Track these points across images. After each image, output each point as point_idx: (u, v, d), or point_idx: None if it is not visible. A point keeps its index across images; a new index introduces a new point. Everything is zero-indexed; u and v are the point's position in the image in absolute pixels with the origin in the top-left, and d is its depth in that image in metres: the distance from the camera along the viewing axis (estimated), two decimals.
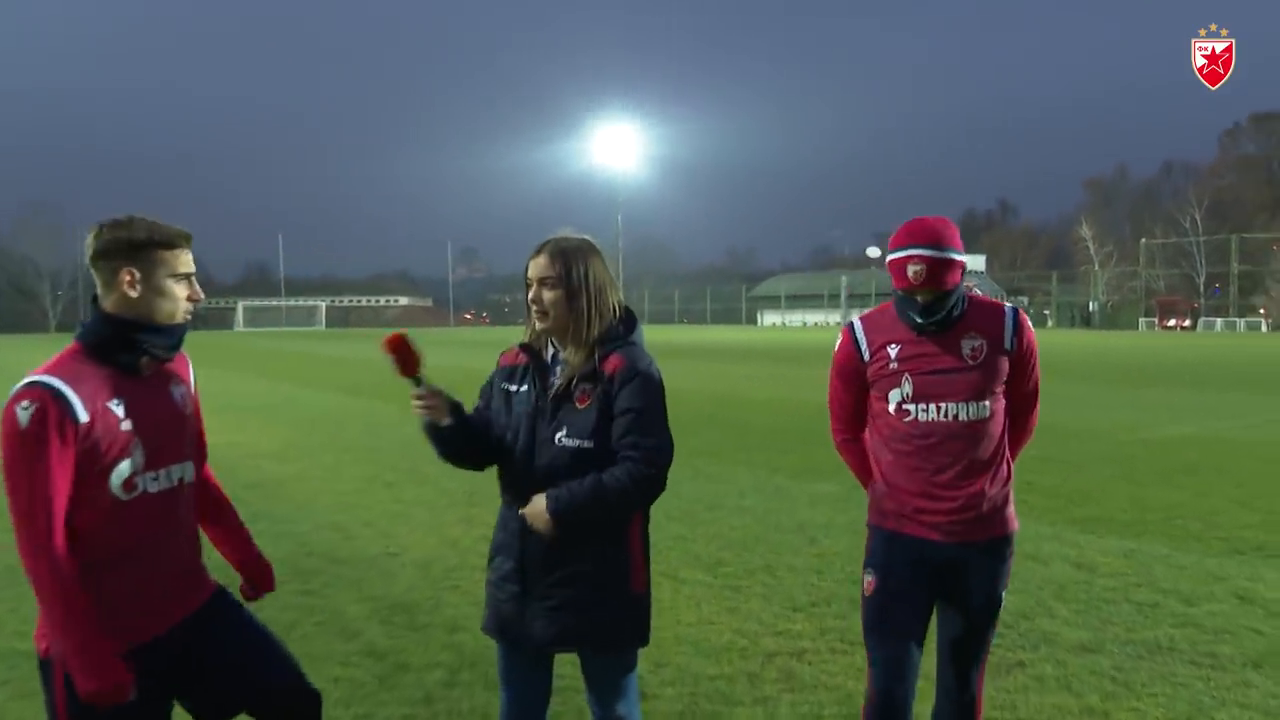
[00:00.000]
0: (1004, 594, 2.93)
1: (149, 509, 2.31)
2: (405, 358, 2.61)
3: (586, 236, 2.68)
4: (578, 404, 2.57)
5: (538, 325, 2.63)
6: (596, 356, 2.58)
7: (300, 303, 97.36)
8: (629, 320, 2.69)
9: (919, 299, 2.81)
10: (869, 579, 2.93)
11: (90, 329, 2.30)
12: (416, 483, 8.92)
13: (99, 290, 2.32)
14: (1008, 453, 2.94)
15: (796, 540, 6.81)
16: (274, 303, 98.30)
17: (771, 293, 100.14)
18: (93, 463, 2.21)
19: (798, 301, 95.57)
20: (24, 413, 2.14)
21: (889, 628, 2.87)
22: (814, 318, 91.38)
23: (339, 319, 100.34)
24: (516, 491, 2.64)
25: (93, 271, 2.30)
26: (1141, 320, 70.32)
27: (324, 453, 11.11)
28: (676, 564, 6.15)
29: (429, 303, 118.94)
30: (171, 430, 2.37)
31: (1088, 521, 7.21)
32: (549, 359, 2.67)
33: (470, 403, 2.81)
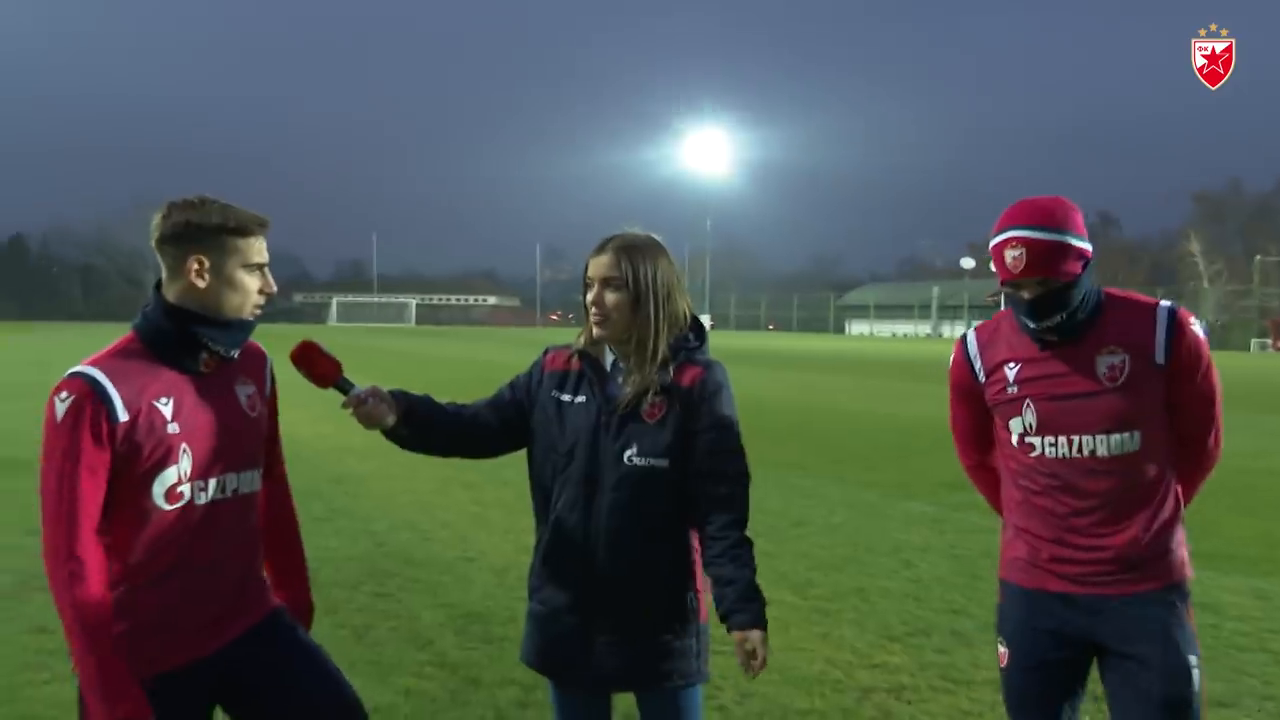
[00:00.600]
0: (1195, 661, 2.27)
1: (196, 522, 2.08)
2: (318, 366, 2.32)
3: (653, 235, 2.41)
4: (647, 419, 2.31)
5: (596, 331, 2.35)
6: (670, 367, 2.33)
7: (391, 299, 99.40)
8: (699, 329, 2.44)
9: (1024, 294, 2.28)
10: (1001, 649, 2.47)
11: (149, 318, 2.10)
12: (496, 485, 8.77)
13: (164, 276, 2.11)
14: (1176, 488, 2.38)
15: (890, 563, 6.43)
16: (367, 299, 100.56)
17: (860, 302, 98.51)
18: (132, 467, 2.00)
19: (887, 311, 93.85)
20: (60, 405, 1.96)
21: (1029, 706, 2.42)
22: (904, 328, 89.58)
23: (428, 316, 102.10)
24: (573, 513, 2.35)
25: (158, 255, 2.10)
26: (1254, 341, 67.02)
27: (405, 451, 11.06)
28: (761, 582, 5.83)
29: (516, 302, 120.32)
30: (229, 436, 2.14)
31: (1210, 557, 6.66)
32: (609, 367, 2.40)
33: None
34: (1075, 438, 2.29)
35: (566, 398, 2.40)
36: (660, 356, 2.32)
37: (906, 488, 9.13)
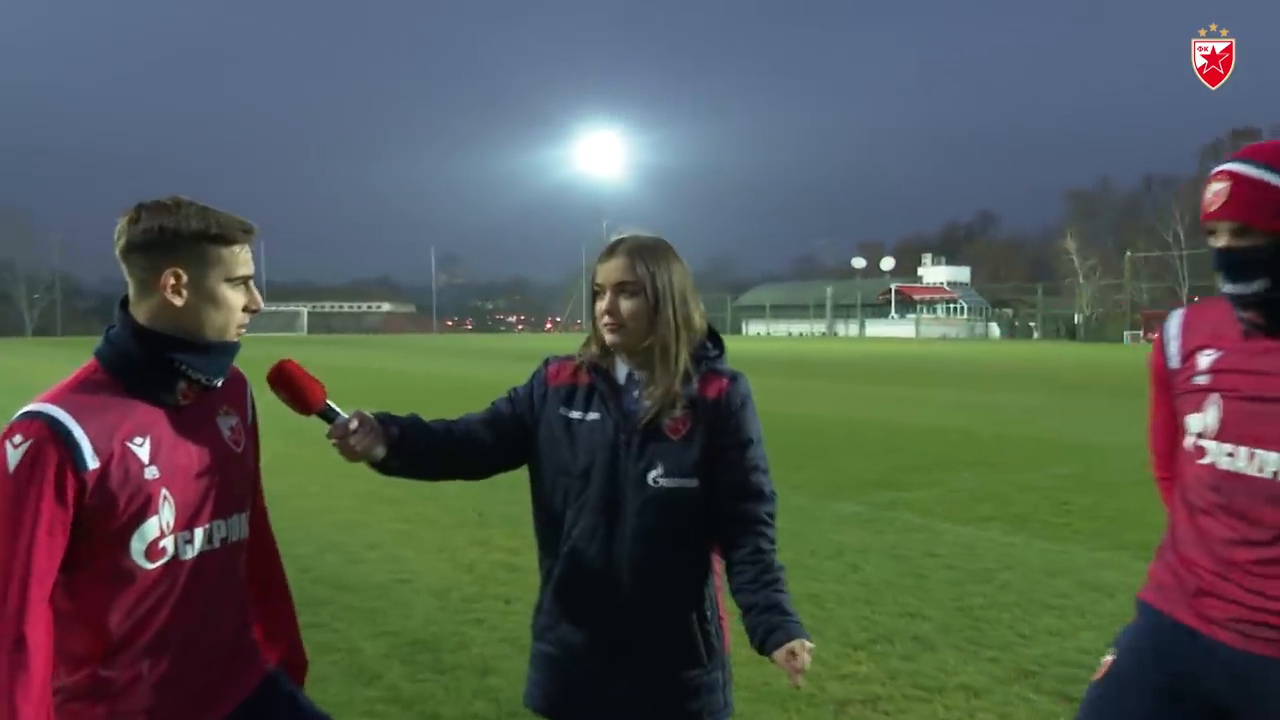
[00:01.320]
0: None
1: (182, 581, 1.80)
2: (301, 390, 2.02)
3: (661, 236, 2.25)
4: (670, 435, 2.12)
5: (610, 338, 2.16)
6: (693, 378, 2.15)
7: (282, 308, 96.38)
8: (715, 337, 2.29)
9: (1218, 243, 1.89)
10: (1107, 659, 2.14)
11: (115, 344, 1.80)
12: (420, 499, 8.43)
13: (130, 293, 1.82)
14: None
15: (836, 567, 6.38)
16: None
17: (756, 302, 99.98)
18: (105, 522, 1.71)
19: (783, 311, 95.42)
20: (14, 452, 1.65)
21: None
22: (799, 328, 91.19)
23: (321, 325, 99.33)
24: (592, 542, 2.13)
25: (124, 268, 1.81)
26: (1126, 333, 70.45)
27: (318, 466, 10.56)
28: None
29: (412, 309, 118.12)
30: (215, 477, 1.86)
31: (1141, 548, 6.82)
32: (622, 380, 2.21)
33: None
34: (1260, 453, 1.87)
35: (577, 415, 2.18)
36: (682, 367, 2.15)
37: (835, 488, 9.14)
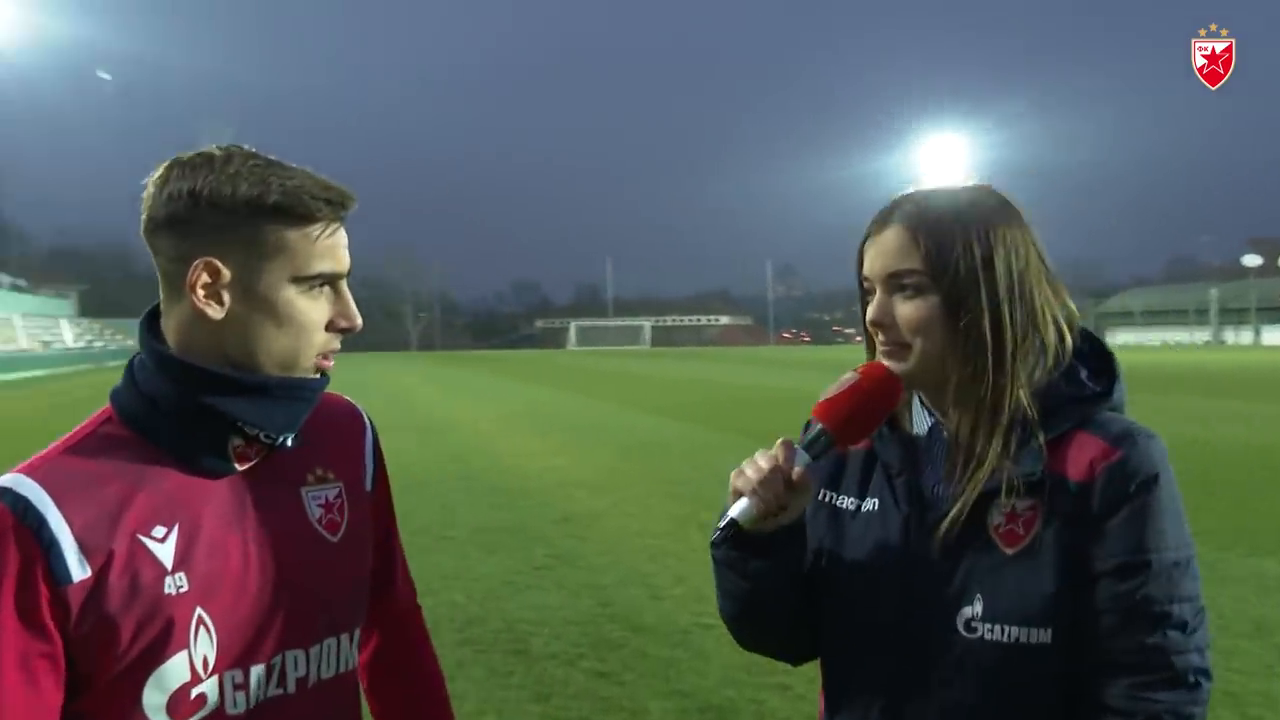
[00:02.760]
0: None
1: None
2: (864, 412, 1.25)
3: (987, 187, 1.32)
4: (1002, 544, 1.21)
5: (891, 367, 1.29)
6: (1039, 439, 1.22)
7: (627, 322, 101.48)
8: (1098, 358, 1.32)
9: None
10: None
11: (137, 380, 1.18)
12: None
13: (161, 299, 1.19)
14: None
15: (1260, 650, 4.82)
16: (603, 323, 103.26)
17: (1123, 308, 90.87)
18: (105, 661, 1.09)
19: (1156, 318, 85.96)
20: None
21: None
22: (1176, 335, 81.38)
23: (663, 338, 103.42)
24: (872, 710, 1.28)
25: (152, 256, 1.18)
26: None
27: (640, 483, 10.30)
28: None
29: (749, 321, 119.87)
30: (290, 585, 1.19)
31: None
32: (923, 440, 1.32)
33: None
34: None
35: (847, 502, 1.34)
36: (1016, 415, 1.23)
37: (1251, 538, 7.28)
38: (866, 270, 1.29)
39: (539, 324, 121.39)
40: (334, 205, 1.15)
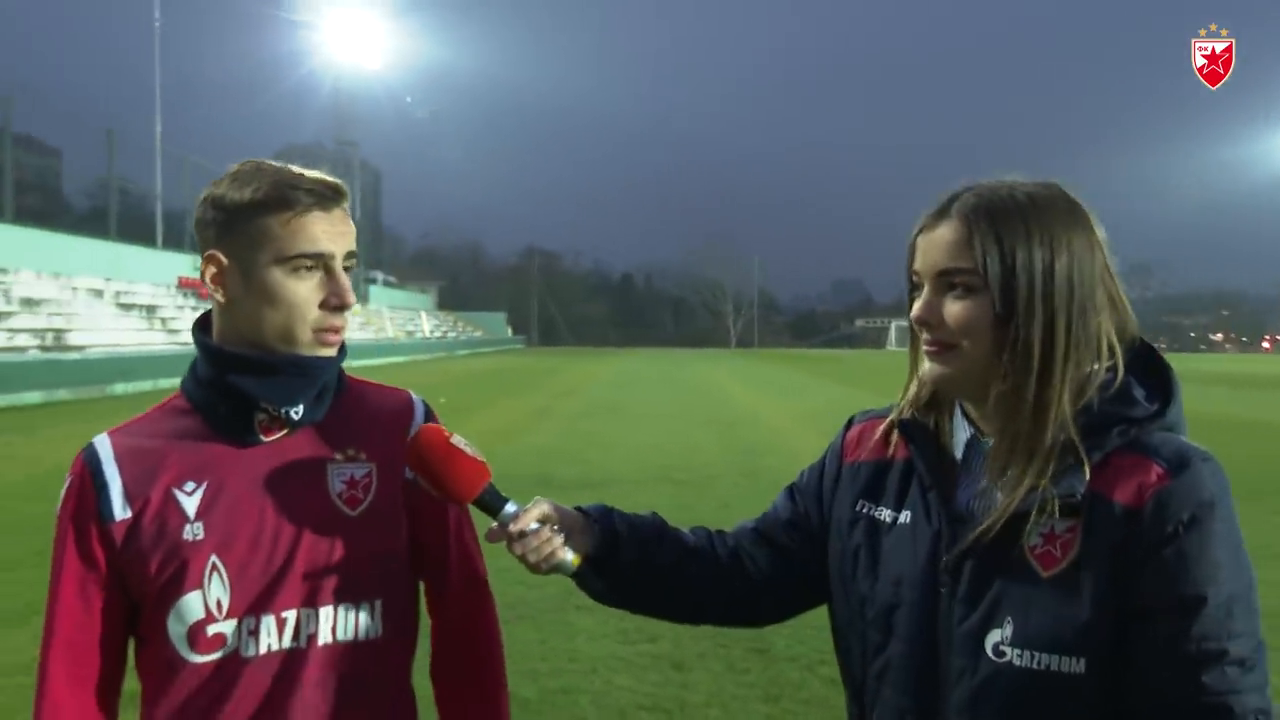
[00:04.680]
0: None
1: (246, 685, 1.29)
2: (444, 470, 1.29)
3: (1051, 184, 1.22)
4: (1039, 565, 1.14)
5: (929, 369, 1.24)
6: (1085, 457, 1.14)
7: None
8: (1156, 373, 1.23)
9: None
10: None
11: (194, 364, 1.40)
12: None
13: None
14: None
15: None
16: None
17: None
18: (140, 591, 1.30)
19: None
20: (63, 490, 1.34)
21: None
22: None
23: None
24: None
25: None
26: None
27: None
28: None
29: None
30: (300, 548, 1.32)
31: None
32: (960, 452, 1.27)
33: None
34: None
35: (884, 514, 1.31)
36: (1058, 433, 1.16)
37: None
38: (917, 265, 1.24)
39: (859, 323, 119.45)
40: (313, 194, 1.29)
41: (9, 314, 21.96)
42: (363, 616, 1.35)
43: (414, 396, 1.49)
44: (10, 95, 25.67)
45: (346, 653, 1.33)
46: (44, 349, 21.64)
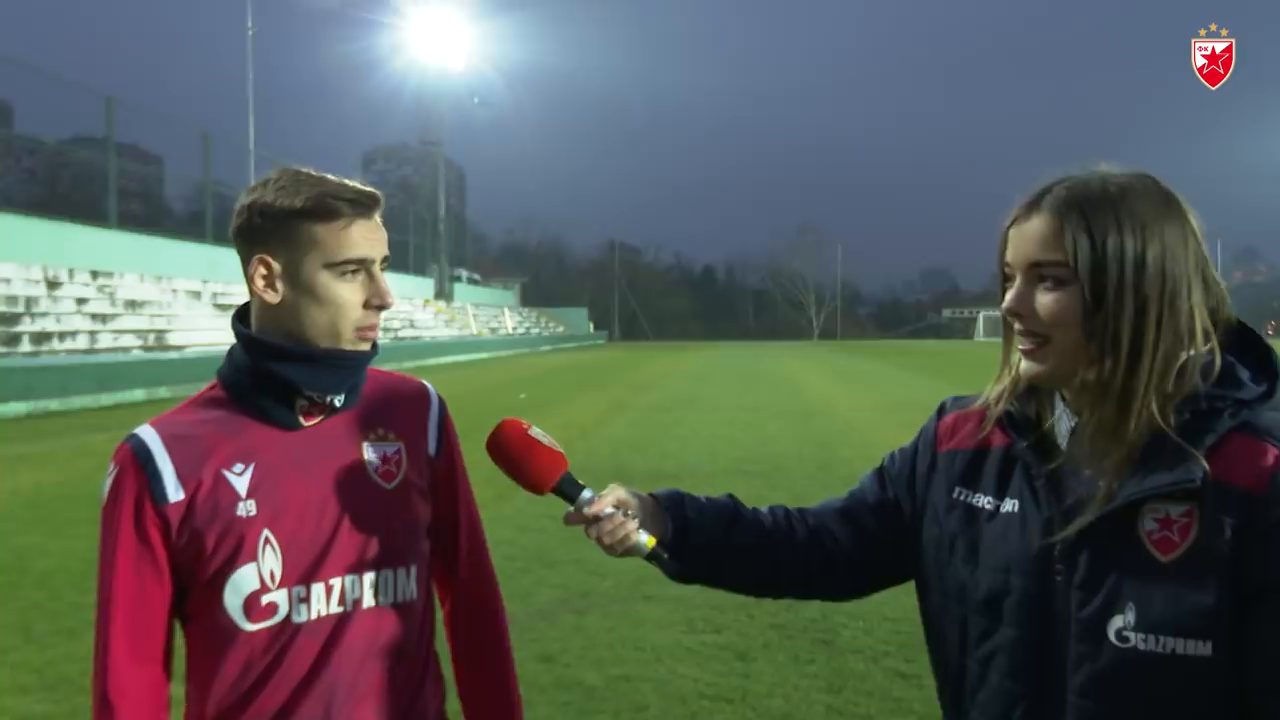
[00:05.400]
0: None
1: (299, 649, 1.42)
2: (523, 461, 1.40)
3: (1143, 174, 1.24)
4: (1155, 551, 1.16)
5: (1027, 369, 1.26)
6: (1194, 443, 1.16)
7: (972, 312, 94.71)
8: (1257, 354, 1.24)
9: None
10: None
11: (232, 355, 1.51)
12: None
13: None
14: None
15: None
16: None
17: None
18: (196, 568, 1.41)
19: None
20: (105, 482, 1.44)
21: None
22: None
23: None
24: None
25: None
26: None
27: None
28: None
29: None
30: (345, 519, 1.46)
31: None
32: (1064, 442, 1.28)
33: None
34: None
35: (984, 501, 1.32)
36: (1150, 423, 1.18)
37: None
38: (1009, 256, 1.26)
39: (946, 313, 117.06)
40: (355, 204, 1.41)
41: (115, 316, 22.96)
42: (400, 581, 1.49)
43: (427, 385, 1.64)
44: (113, 103, 26.76)
45: (388, 615, 1.47)
46: (146, 349, 22.58)
